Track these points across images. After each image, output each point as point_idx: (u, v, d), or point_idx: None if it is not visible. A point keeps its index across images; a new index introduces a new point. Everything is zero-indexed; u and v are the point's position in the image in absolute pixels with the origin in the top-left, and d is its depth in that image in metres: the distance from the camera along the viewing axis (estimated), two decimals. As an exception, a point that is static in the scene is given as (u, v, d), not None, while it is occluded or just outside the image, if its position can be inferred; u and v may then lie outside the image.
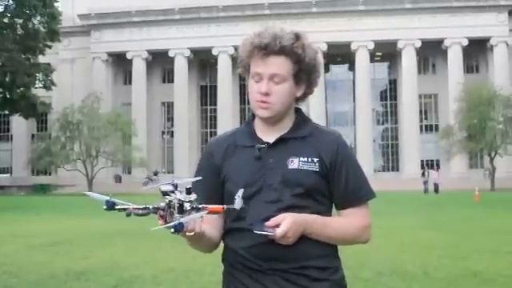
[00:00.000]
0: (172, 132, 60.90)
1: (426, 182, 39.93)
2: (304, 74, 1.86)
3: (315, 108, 52.69)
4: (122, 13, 58.50)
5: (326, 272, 1.82)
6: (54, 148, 51.54)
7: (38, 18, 45.46)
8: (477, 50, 57.27)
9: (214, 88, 61.43)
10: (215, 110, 60.44)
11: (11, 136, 64.94)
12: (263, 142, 1.86)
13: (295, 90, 1.87)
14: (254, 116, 1.95)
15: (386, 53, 59.93)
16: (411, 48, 56.51)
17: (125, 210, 1.55)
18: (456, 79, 53.09)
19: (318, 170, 1.83)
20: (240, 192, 1.68)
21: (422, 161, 54.63)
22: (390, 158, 60.73)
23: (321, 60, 1.93)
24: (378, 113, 61.61)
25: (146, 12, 58.43)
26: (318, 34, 47.29)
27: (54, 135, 53.04)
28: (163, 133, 63.50)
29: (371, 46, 56.53)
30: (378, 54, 59.54)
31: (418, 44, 56.20)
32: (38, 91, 48.74)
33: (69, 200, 33.87)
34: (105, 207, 1.54)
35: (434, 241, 10.71)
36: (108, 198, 1.55)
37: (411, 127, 55.88)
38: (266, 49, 1.79)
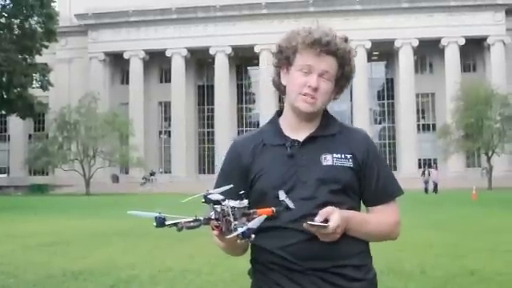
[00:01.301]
0: (169, 132, 60.77)
1: (426, 182, 39.49)
2: (343, 80, 1.89)
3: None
4: (119, 12, 58.41)
5: (362, 271, 1.82)
6: (51, 148, 51.47)
7: (35, 17, 45.45)
8: (474, 49, 57.32)
9: (211, 88, 61.30)
10: (212, 110, 60.34)
11: (8, 136, 64.77)
12: (292, 140, 1.86)
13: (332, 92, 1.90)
14: (278, 115, 1.96)
15: (383, 52, 59.93)
16: (408, 47, 56.54)
17: (175, 225, 1.47)
18: (453, 78, 53.16)
19: (352, 166, 1.84)
20: (283, 193, 1.68)
21: (419, 160, 54.76)
22: (388, 157, 60.61)
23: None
24: (375, 112, 61.64)
25: (143, 12, 58.35)
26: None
27: (51, 135, 52.95)
28: (160, 132, 63.36)
29: (368, 45, 56.45)
30: (375, 53, 59.50)
31: (415, 43, 56.23)
32: (35, 91, 48.68)
33: (66, 200, 33.80)
34: (155, 224, 1.46)
35: (431, 239, 10.72)
36: (157, 214, 1.46)
37: (408, 126, 55.92)
38: (327, 46, 1.80)
